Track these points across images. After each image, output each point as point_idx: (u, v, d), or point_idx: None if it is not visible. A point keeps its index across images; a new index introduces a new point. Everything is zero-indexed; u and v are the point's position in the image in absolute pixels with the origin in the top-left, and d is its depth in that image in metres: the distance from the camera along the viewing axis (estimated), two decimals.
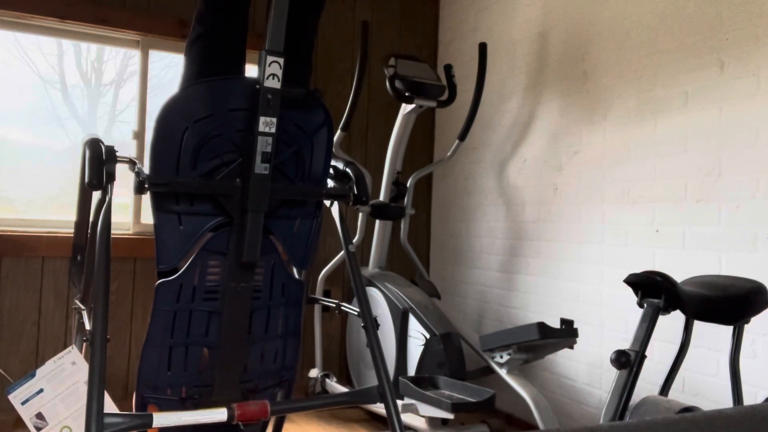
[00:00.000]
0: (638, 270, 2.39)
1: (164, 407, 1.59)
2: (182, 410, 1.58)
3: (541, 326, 2.24)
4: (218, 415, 1.39)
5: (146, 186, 1.43)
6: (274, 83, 1.45)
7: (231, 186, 1.52)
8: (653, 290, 1.81)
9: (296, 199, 1.65)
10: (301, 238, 1.71)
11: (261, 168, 1.50)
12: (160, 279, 1.53)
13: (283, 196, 1.59)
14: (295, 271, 1.78)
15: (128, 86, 3.24)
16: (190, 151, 1.49)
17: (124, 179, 1.56)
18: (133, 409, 1.60)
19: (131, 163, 1.52)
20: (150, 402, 1.57)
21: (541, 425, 2.24)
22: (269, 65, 1.43)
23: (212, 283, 1.57)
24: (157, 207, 1.51)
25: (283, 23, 1.42)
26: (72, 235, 1.85)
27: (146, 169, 1.48)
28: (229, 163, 1.53)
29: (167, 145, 1.47)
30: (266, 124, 1.47)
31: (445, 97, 2.99)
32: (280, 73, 1.45)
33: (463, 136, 3.12)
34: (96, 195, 1.61)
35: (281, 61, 1.44)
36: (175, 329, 1.55)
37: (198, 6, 1.61)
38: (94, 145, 1.46)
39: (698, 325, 1.82)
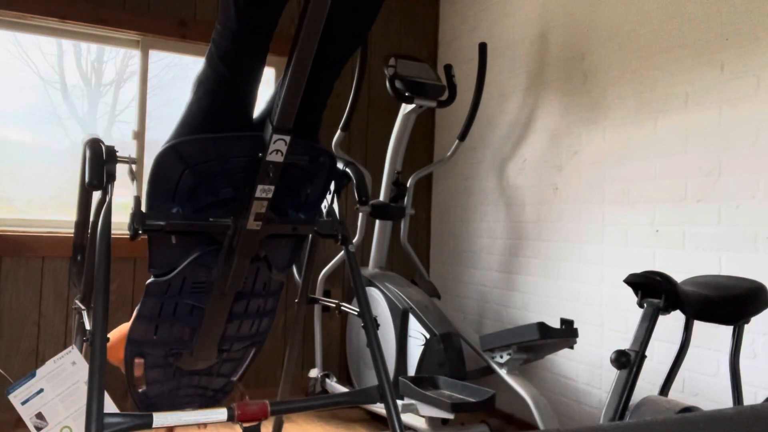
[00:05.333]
0: (638, 270, 2.39)
1: (149, 359, 1.72)
2: (164, 364, 1.74)
3: (541, 326, 2.24)
4: (218, 415, 1.39)
5: (140, 232, 1.41)
6: (277, 158, 1.40)
7: (223, 226, 1.51)
8: (653, 290, 1.81)
9: (285, 233, 1.66)
10: (285, 252, 1.74)
11: (253, 225, 1.48)
12: (151, 278, 1.58)
13: (272, 231, 1.59)
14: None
15: (128, 86, 3.24)
16: (187, 188, 1.47)
17: (124, 179, 1.56)
18: (123, 364, 1.71)
19: (130, 164, 1.52)
20: (137, 356, 1.70)
21: (541, 425, 2.24)
22: (274, 142, 1.37)
23: (199, 284, 1.62)
24: None
25: (296, 101, 1.33)
26: (72, 235, 1.85)
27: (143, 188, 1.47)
28: (225, 201, 1.52)
29: (164, 182, 1.46)
30: (263, 191, 1.44)
31: (445, 97, 2.99)
32: (285, 149, 1.39)
33: (463, 136, 3.12)
34: (96, 195, 1.62)
35: (287, 139, 1.38)
36: (162, 313, 1.63)
37: (210, 48, 1.45)
38: (94, 145, 1.46)
39: (698, 325, 1.82)
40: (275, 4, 1.37)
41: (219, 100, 1.44)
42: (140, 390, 1.81)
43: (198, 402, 1.98)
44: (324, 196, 1.70)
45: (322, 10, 1.22)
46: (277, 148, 1.38)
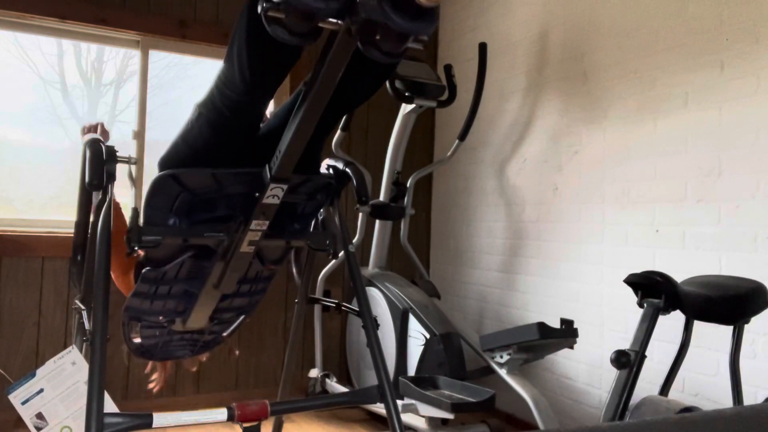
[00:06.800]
0: (638, 270, 2.39)
1: (144, 323, 1.78)
2: (159, 328, 1.79)
3: (541, 326, 2.24)
4: (218, 415, 1.40)
5: (136, 249, 1.41)
6: (273, 201, 1.39)
7: (217, 241, 1.51)
8: (653, 290, 1.82)
9: (277, 245, 1.67)
10: (278, 250, 1.75)
11: (247, 248, 1.49)
12: (147, 267, 1.59)
13: (266, 245, 1.59)
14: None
15: (128, 86, 3.24)
16: (185, 204, 1.48)
17: (124, 179, 1.56)
18: (121, 325, 1.76)
19: (130, 164, 1.53)
20: (133, 320, 1.75)
21: (541, 425, 2.24)
22: (272, 189, 1.36)
23: (193, 272, 1.63)
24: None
25: (297, 154, 1.31)
26: (72, 235, 1.85)
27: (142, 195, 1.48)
28: (222, 218, 1.52)
29: (162, 199, 1.46)
30: (258, 225, 1.44)
31: (445, 97, 2.98)
32: (281, 194, 1.38)
33: (463, 136, 3.12)
34: (96, 195, 1.62)
35: (284, 187, 1.37)
36: (157, 292, 1.66)
37: (213, 90, 1.38)
38: (94, 145, 1.46)
39: (698, 325, 1.82)
40: (280, 73, 1.35)
41: (220, 132, 1.42)
42: (136, 341, 1.85)
43: (189, 350, 2.03)
44: (321, 207, 1.70)
45: (329, 87, 1.17)
46: (275, 194, 1.38)
